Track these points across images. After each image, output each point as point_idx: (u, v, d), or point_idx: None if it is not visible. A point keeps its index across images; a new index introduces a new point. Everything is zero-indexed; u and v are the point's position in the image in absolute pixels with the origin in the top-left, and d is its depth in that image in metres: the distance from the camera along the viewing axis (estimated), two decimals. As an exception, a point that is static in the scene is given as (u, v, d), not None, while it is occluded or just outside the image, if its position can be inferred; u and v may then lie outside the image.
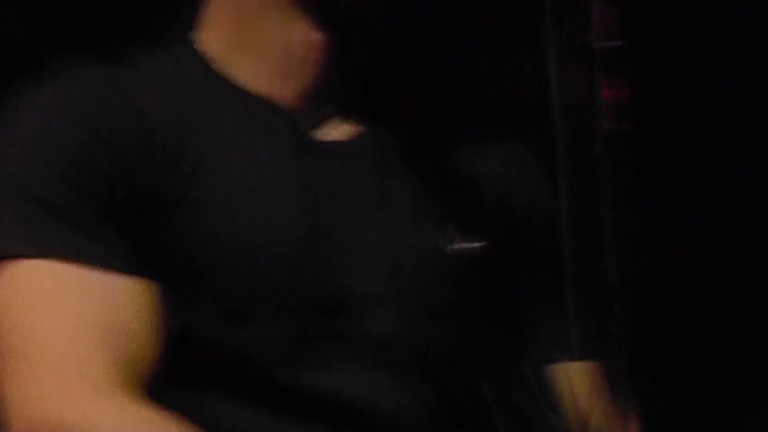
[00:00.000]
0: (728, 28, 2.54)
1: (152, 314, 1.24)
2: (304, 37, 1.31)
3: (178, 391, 1.24)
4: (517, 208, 1.40)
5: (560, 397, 1.36)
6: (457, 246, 1.33)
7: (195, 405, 1.24)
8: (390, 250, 1.33)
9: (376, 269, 1.31)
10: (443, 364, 1.32)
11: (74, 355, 1.21)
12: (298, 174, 1.30)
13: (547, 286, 1.34)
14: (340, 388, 1.27)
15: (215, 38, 1.34)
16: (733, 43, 2.57)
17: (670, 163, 2.36)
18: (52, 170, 1.23)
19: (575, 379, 1.36)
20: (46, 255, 1.21)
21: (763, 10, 2.40)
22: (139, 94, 1.26)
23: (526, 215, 1.41)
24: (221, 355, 1.26)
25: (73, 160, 1.23)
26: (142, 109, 1.25)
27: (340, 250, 1.30)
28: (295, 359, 1.27)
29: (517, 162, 1.43)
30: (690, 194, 2.36)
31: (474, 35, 1.91)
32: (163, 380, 1.23)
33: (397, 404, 1.29)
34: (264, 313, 1.27)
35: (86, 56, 1.29)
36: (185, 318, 1.25)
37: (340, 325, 1.28)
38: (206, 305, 1.25)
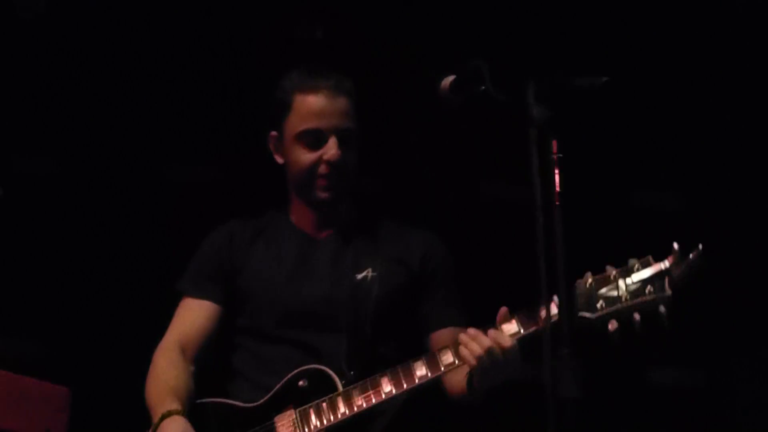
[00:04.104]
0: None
1: (212, 319, 3.21)
2: (312, 211, 3.23)
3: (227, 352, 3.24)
4: (423, 260, 3.21)
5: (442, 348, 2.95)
6: (359, 276, 3.13)
7: (231, 356, 3.22)
8: (331, 281, 3.15)
9: (323, 292, 3.13)
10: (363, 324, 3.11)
11: (170, 332, 3.22)
12: (296, 257, 3.22)
13: (440, 294, 3.18)
14: (302, 341, 3.09)
15: (291, 209, 3.30)
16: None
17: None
18: (194, 262, 3.30)
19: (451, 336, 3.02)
20: (185, 293, 3.27)
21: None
22: (237, 234, 3.29)
23: (428, 262, 3.21)
24: (245, 332, 3.20)
25: (200, 258, 3.30)
26: (232, 239, 3.28)
27: (305, 284, 3.15)
28: (280, 333, 3.12)
29: (429, 239, 3.26)
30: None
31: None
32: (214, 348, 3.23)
33: (332, 347, 3.07)
34: (266, 316, 3.15)
35: (240, 217, 3.36)
36: (236, 318, 3.22)
37: (301, 320, 3.11)
38: (245, 312, 3.20)
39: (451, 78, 2.88)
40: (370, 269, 3.12)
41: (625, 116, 3.76)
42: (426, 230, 3.27)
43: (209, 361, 3.19)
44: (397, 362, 2.92)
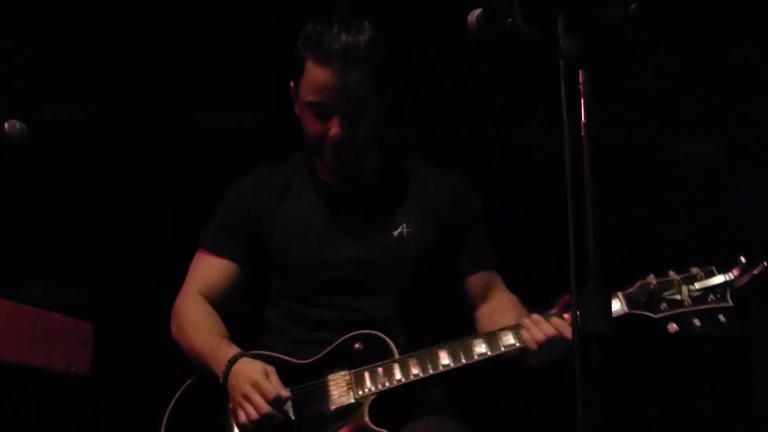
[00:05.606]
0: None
1: (232, 279, 3.15)
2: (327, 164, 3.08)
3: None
4: (452, 210, 3.14)
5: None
6: (395, 233, 3.06)
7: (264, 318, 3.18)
8: (367, 241, 3.07)
9: (360, 254, 3.05)
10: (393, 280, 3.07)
11: (192, 283, 3.18)
12: (328, 215, 3.10)
13: (472, 238, 3.13)
14: (343, 306, 3.04)
15: (312, 158, 3.15)
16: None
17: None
18: (219, 215, 3.20)
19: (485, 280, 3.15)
20: (206, 249, 3.19)
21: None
22: (264, 188, 3.16)
23: (460, 211, 3.15)
24: (281, 292, 3.14)
25: (225, 213, 3.19)
26: (260, 194, 3.15)
27: (341, 247, 3.06)
28: (319, 298, 3.06)
29: (459, 189, 3.17)
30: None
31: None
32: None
33: (367, 307, 3.05)
34: (303, 282, 3.07)
35: (265, 164, 3.26)
36: (269, 277, 3.16)
37: (341, 286, 3.05)
38: (279, 275, 3.13)
39: (478, 11, 2.82)
40: (404, 224, 3.07)
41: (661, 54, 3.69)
42: (456, 173, 3.21)
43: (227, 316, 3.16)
44: (438, 324, 2.96)
